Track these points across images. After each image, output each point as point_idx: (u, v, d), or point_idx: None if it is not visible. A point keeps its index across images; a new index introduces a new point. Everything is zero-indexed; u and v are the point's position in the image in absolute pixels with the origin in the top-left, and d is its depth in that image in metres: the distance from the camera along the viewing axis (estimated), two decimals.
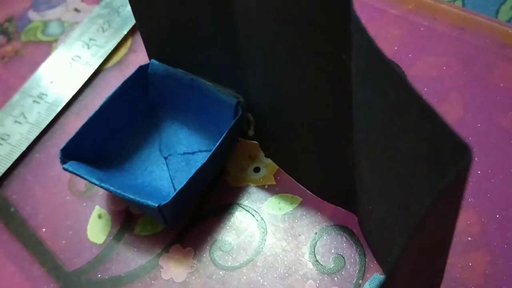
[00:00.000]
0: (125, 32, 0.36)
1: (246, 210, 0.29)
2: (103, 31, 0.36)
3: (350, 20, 0.18)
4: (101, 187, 0.27)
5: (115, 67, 0.35)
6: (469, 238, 0.26)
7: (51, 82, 0.35)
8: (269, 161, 0.30)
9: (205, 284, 0.27)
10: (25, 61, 0.36)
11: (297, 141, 0.27)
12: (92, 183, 0.27)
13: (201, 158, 0.29)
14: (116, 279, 0.27)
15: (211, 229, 0.28)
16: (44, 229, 0.30)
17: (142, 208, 0.28)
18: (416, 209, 0.18)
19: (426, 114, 0.15)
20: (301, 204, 0.28)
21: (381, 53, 0.16)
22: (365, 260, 0.26)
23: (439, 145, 0.15)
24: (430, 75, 0.31)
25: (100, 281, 0.28)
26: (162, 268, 0.27)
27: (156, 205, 0.26)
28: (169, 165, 0.29)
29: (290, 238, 0.27)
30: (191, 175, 0.27)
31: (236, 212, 0.29)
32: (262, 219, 0.28)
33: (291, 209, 0.28)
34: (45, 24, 0.38)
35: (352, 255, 0.26)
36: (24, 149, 0.32)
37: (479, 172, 0.28)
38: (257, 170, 0.30)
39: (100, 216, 0.29)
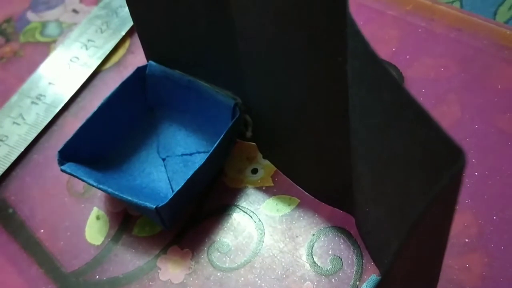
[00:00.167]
0: (124, 33, 0.36)
1: (244, 212, 0.29)
2: (102, 32, 0.36)
3: (345, 22, 0.18)
4: (99, 188, 0.27)
5: (113, 68, 0.35)
6: (466, 240, 0.26)
7: (50, 83, 0.35)
8: (267, 162, 0.30)
9: (202, 286, 0.27)
10: (24, 62, 0.36)
11: (294, 142, 0.27)
12: (90, 184, 0.27)
13: (199, 160, 0.29)
14: (114, 281, 0.28)
15: (209, 230, 0.28)
16: (42, 230, 0.30)
17: (140, 210, 0.28)
18: (411, 212, 0.18)
19: (421, 118, 0.15)
20: (299, 206, 0.28)
21: (376, 56, 0.16)
22: (362, 262, 0.26)
23: (434, 149, 0.15)
24: (428, 77, 0.31)
25: (98, 283, 0.28)
26: (160, 269, 0.28)
27: (154, 206, 0.26)
28: (167, 166, 0.29)
29: (287, 239, 0.27)
30: (189, 176, 0.27)
31: (234, 213, 0.29)
32: (260, 220, 0.28)
33: (289, 210, 0.28)
34: (44, 25, 0.38)
35: (350, 256, 0.27)
36: (22, 150, 0.32)
37: (476, 173, 0.28)
38: (255, 171, 0.30)
39: (98, 218, 0.29)
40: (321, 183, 0.28)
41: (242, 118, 0.29)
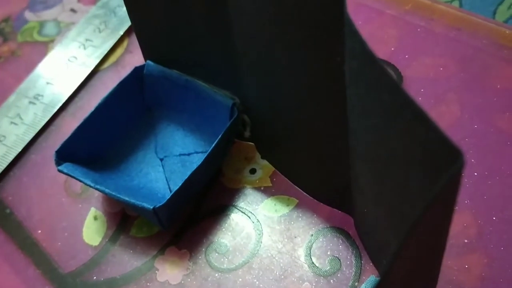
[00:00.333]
0: (122, 33, 0.36)
1: (242, 212, 0.28)
2: (100, 31, 0.36)
3: (343, 22, 0.18)
4: (96, 189, 0.27)
5: (111, 68, 0.35)
6: (466, 240, 0.26)
7: (47, 83, 0.35)
8: (265, 162, 0.30)
9: (200, 286, 0.27)
10: (21, 61, 0.36)
11: (293, 142, 0.27)
12: (87, 185, 0.27)
13: (197, 160, 0.29)
14: (112, 281, 0.27)
15: (206, 231, 0.28)
16: (39, 231, 0.29)
17: (138, 210, 0.28)
18: (410, 213, 0.18)
19: (419, 119, 0.15)
20: (297, 206, 0.28)
21: (373, 56, 0.16)
22: (361, 262, 0.26)
23: (433, 149, 0.15)
24: (427, 76, 0.31)
25: (96, 283, 0.27)
26: (158, 270, 0.27)
27: (151, 207, 0.26)
28: (164, 166, 0.29)
29: (286, 240, 0.27)
30: (187, 176, 0.27)
31: (232, 213, 0.28)
32: (258, 221, 0.28)
33: (287, 211, 0.28)
34: (42, 24, 0.38)
35: (348, 257, 0.26)
36: (19, 150, 0.32)
37: (475, 174, 0.27)
38: (253, 171, 0.30)
39: (95, 218, 0.29)
40: (320, 184, 0.27)
41: (240, 118, 0.29)
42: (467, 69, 0.31)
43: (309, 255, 0.27)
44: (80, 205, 0.30)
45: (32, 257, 0.29)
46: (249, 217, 0.28)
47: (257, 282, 0.26)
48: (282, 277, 0.26)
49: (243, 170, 0.30)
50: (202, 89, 0.29)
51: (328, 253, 0.27)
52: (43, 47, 0.37)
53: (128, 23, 0.36)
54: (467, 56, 0.31)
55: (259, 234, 0.28)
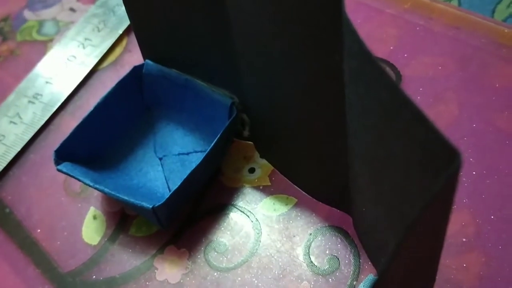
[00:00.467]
0: (121, 32, 0.36)
1: (241, 211, 0.28)
2: (99, 30, 0.36)
3: (341, 21, 0.18)
4: (96, 188, 0.27)
5: (110, 67, 0.35)
6: (464, 239, 0.26)
7: (47, 82, 0.35)
8: (264, 161, 0.30)
9: (199, 286, 0.27)
10: (20, 61, 0.36)
11: (292, 142, 0.27)
12: (86, 184, 0.27)
13: (196, 159, 0.29)
14: (111, 281, 0.27)
15: (205, 230, 0.28)
16: (39, 230, 0.29)
17: (137, 209, 0.28)
18: (409, 212, 0.18)
19: (418, 119, 0.15)
20: (296, 205, 0.28)
21: (371, 56, 0.16)
22: (359, 261, 0.26)
23: (431, 149, 0.15)
24: (426, 75, 0.31)
25: (95, 283, 0.28)
26: (157, 269, 0.27)
27: (150, 206, 0.26)
28: (164, 166, 0.29)
29: (284, 239, 0.27)
30: (186, 176, 0.27)
31: (231, 213, 0.29)
32: (257, 220, 0.28)
33: (286, 210, 0.28)
34: (41, 23, 0.38)
35: (347, 256, 0.26)
36: (19, 149, 0.32)
37: (474, 172, 0.27)
38: (252, 170, 0.30)
39: (95, 217, 0.29)
40: (319, 183, 0.27)
41: (239, 117, 0.29)
42: (466, 68, 0.31)
43: (307, 254, 0.27)
44: (80, 205, 0.30)
45: (32, 256, 0.29)
46: (248, 216, 0.28)
47: (256, 281, 0.26)
48: (281, 276, 0.26)
49: (242, 169, 0.30)
50: (201, 88, 0.29)
51: (327, 252, 0.27)
52: (42, 46, 0.37)
53: (127, 22, 0.36)
54: (466, 55, 0.31)
55: (258, 233, 0.28)
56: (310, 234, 0.27)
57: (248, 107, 0.28)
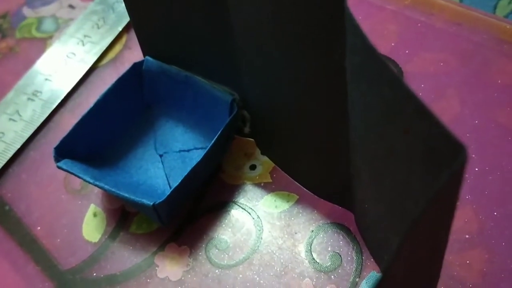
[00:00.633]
0: (120, 29, 0.36)
1: (242, 208, 0.28)
2: (98, 27, 0.36)
3: (344, 17, 0.18)
4: (96, 185, 0.27)
5: (110, 64, 0.35)
6: (467, 236, 0.26)
7: (46, 79, 0.34)
8: (265, 158, 0.30)
9: (201, 283, 0.27)
10: (20, 58, 0.36)
11: (293, 138, 0.27)
12: (87, 181, 0.27)
13: (197, 156, 0.29)
14: (112, 278, 0.27)
15: (206, 227, 0.28)
16: (39, 228, 0.29)
17: (137, 207, 0.28)
18: (412, 208, 0.18)
19: (421, 114, 0.15)
20: (298, 202, 0.28)
21: (375, 51, 0.16)
22: (362, 258, 0.26)
23: (435, 145, 0.15)
24: (427, 71, 0.31)
25: (95, 280, 0.27)
26: (158, 266, 0.27)
27: (151, 203, 0.26)
28: (164, 163, 0.29)
29: (286, 236, 0.27)
30: (187, 173, 0.26)
31: (232, 210, 0.28)
32: (258, 217, 0.28)
33: (287, 206, 0.28)
34: (40, 20, 0.38)
35: (349, 253, 0.26)
36: (18, 147, 0.32)
37: (476, 169, 0.27)
38: (253, 167, 0.29)
39: (95, 215, 0.29)
40: (320, 179, 0.27)
41: (240, 114, 0.29)
42: (467, 65, 0.31)
43: (309, 251, 0.27)
44: (80, 202, 0.30)
45: (32, 253, 0.29)
46: (249, 213, 0.28)
47: (257, 278, 0.26)
48: (283, 273, 0.26)
49: (243, 166, 0.29)
50: (202, 85, 0.29)
51: (329, 249, 0.27)
52: (41, 44, 0.36)
53: (126, 19, 0.36)
54: (467, 51, 0.31)
55: (259, 230, 0.28)
56: (312, 231, 0.27)
57: (248, 104, 0.28)
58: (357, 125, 0.21)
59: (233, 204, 0.29)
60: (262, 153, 0.30)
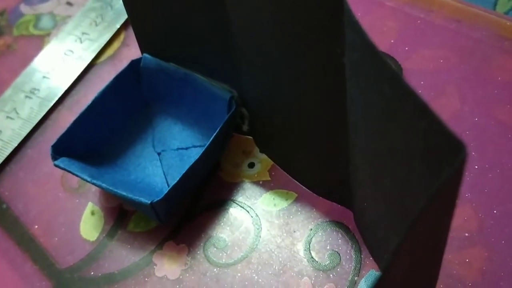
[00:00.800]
0: (118, 26, 0.36)
1: (241, 206, 0.28)
2: (96, 25, 0.36)
3: (343, 13, 0.18)
4: (93, 183, 0.27)
5: (108, 61, 0.35)
6: (466, 234, 0.26)
7: (44, 76, 0.34)
8: (263, 156, 0.29)
9: (199, 282, 0.26)
10: (17, 55, 0.36)
11: (292, 136, 0.26)
12: (84, 179, 0.27)
13: (195, 154, 0.29)
14: (109, 277, 0.27)
15: (205, 225, 0.28)
16: (36, 226, 0.29)
17: (135, 205, 0.28)
18: (411, 207, 0.17)
19: (421, 111, 0.15)
20: (296, 200, 0.28)
21: (374, 48, 0.16)
22: (360, 257, 0.26)
23: (434, 142, 0.15)
24: (427, 68, 0.31)
25: (93, 279, 0.27)
26: (156, 265, 0.27)
27: (149, 202, 0.25)
28: (162, 161, 0.29)
29: (285, 234, 0.27)
30: (185, 171, 0.26)
31: (231, 208, 0.28)
32: (257, 215, 0.28)
33: (286, 205, 0.28)
34: (37, 17, 0.37)
35: (348, 251, 0.26)
36: (16, 145, 0.32)
37: (476, 167, 0.27)
38: (251, 165, 0.29)
39: (93, 213, 0.29)
40: (319, 178, 0.27)
41: (239, 112, 0.29)
42: (467, 61, 0.30)
43: (308, 249, 0.26)
44: (77, 200, 0.30)
45: (29, 252, 0.28)
46: (248, 212, 0.28)
47: (256, 277, 0.26)
48: (281, 271, 0.26)
49: (242, 164, 0.29)
50: (200, 82, 0.29)
51: (328, 247, 0.26)
52: (39, 41, 0.36)
53: (124, 16, 0.36)
54: (467, 48, 0.31)
55: (258, 229, 0.27)
56: (311, 229, 0.27)
57: (247, 101, 0.28)
58: (357, 123, 0.20)
59: (232, 202, 0.28)
60: (261, 151, 0.30)
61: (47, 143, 0.31)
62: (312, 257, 0.26)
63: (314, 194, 0.28)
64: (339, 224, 0.27)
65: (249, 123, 0.29)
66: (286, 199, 0.28)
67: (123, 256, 0.28)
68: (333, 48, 0.20)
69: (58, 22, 0.37)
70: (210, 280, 0.26)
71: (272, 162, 0.29)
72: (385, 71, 0.16)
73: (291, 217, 0.27)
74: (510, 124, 0.28)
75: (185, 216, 0.28)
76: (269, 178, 0.29)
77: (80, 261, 0.28)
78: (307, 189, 0.28)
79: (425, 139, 0.15)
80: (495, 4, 0.33)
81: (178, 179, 0.26)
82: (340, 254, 0.26)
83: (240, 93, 0.28)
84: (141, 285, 0.27)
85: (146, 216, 0.28)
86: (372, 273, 0.25)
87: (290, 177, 0.28)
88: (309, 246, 0.27)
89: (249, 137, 0.30)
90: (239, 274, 0.26)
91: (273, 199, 0.28)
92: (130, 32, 0.35)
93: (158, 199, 0.25)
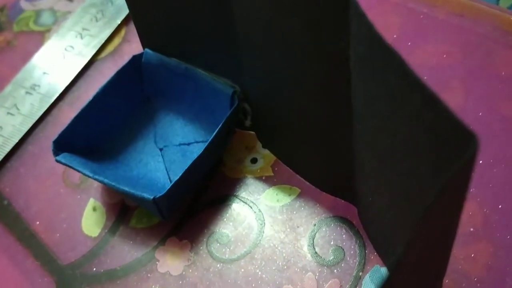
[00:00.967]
0: (119, 22, 0.35)
1: (244, 202, 0.28)
2: (97, 20, 0.36)
3: (348, 5, 0.17)
4: (95, 179, 0.27)
5: (109, 57, 0.34)
6: (471, 229, 0.25)
7: (44, 73, 0.34)
8: (266, 151, 0.29)
9: (202, 277, 0.26)
10: (18, 51, 0.36)
11: (295, 131, 0.26)
12: (86, 175, 0.27)
13: (197, 149, 0.28)
14: (112, 273, 0.27)
15: (207, 221, 0.28)
16: (38, 222, 0.29)
17: (137, 201, 0.27)
18: (419, 201, 0.17)
19: (429, 102, 0.14)
20: (300, 195, 0.28)
21: (381, 38, 0.15)
22: (365, 252, 0.26)
23: (443, 134, 0.15)
24: (430, 64, 0.30)
25: (95, 275, 0.27)
26: (158, 261, 0.27)
27: (151, 197, 0.25)
28: (164, 156, 0.29)
29: (288, 230, 0.27)
30: (187, 166, 0.26)
31: (233, 203, 0.28)
32: (260, 210, 0.28)
33: (289, 200, 0.28)
34: (38, 13, 0.37)
35: (352, 246, 0.26)
36: (16, 141, 0.31)
37: (481, 161, 0.27)
38: (254, 161, 0.29)
39: (94, 209, 0.29)
40: (323, 173, 0.27)
41: (241, 107, 0.28)
42: (471, 56, 0.30)
43: (312, 245, 0.26)
44: (79, 196, 0.29)
45: (31, 248, 0.28)
46: (251, 207, 0.28)
47: (259, 273, 0.26)
48: (285, 267, 0.26)
49: (244, 160, 0.29)
50: (202, 77, 0.29)
51: (332, 242, 0.26)
52: (39, 37, 0.36)
53: (125, 12, 0.35)
54: (471, 43, 0.31)
55: (261, 224, 0.27)
56: (314, 224, 0.27)
57: (250, 96, 0.28)
58: (362, 116, 0.20)
59: (234, 198, 0.28)
60: (264, 147, 0.29)
61: (48, 139, 0.31)
62: (316, 253, 0.26)
63: (318, 190, 0.28)
64: (343, 219, 0.27)
65: (251, 118, 0.29)
66: (289, 195, 0.28)
67: (125, 252, 0.27)
68: (337, 41, 0.20)
69: (58, 18, 0.37)
70: (214, 276, 0.26)
71: (275, 158, 0.29)
72: (391, 62, 0.16)
73: (295, 212, 0.27)
74: None
75: (187, 212, 0.28)
76: (272, 174, 0.29)
77: (82, 257, 0.28)
78: (310, 184, 0.28)
79: (434, 130, 0.15)
80: None
81: (180, 174, 0.26)
82: (344, 250, 0.26)
83: (242, 88, 0.28)
84: (143, 281, 0.26)
85: (149, 212, 0.28)
86: (377, 268, 0.25)
87: (293, 173, 0.28)
88: (313, 242, 0.26)
89: (252, 132, 0.30)
90: (242, 270, 0.26)
91: (276, 194, 0.28)
92: (131, 27, 0.35)
93: (161, 194, 0.25)
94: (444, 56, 0.31)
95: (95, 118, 0.29)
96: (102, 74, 0.34)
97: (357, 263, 0.25)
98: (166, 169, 0.29)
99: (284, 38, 0.22)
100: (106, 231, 0.28)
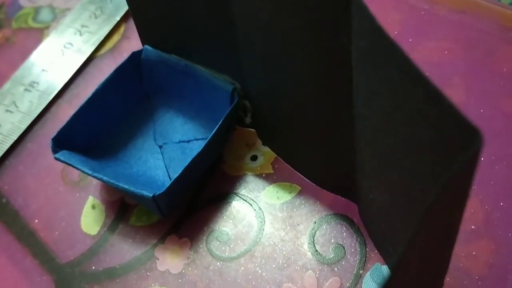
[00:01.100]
0: (118, 18, 0.35)
1: (244, 199, 0.28)
2: (96, 17, 0.35)
3: (349, 4, 0.17)
4: (94, 177, 0.27)
5: (108, 54, 0.34)
6: (473, 227, 0.25)
7: (43, 70, 0.34)
8: (266, 149, 0.29)
9: (202, 276, 0.26)
10: (16, 48, 0.36)
11: (295, 130, 0.26)
12: (85, 173, 0.27)
13: (197, 147, 0.28)
14: (111, 271, 0.27)
15: (207, 219, 0.28)
16: (36, 220, 0.29)
17: (137, 198, 0.27)
18: (421, 198, 0.17)
19: (432, 97, 0.14)
20: (300, 193, 0.28)
21: (383, 31, 0.15)
22: (366, 250, 0.26)
23: (446, 131, 0.15)
24: (431, 60, 0.30)
25: (94, 273, 0.27)
26: (158, 259, 0.27)
27: (151, 195, 0.25)
28: (164, 154, 0.29)
29: (288, 227, 0.27)
30: (187, 164, 0.26)
31: (233, 201, 0.28)
32: (260, 208, 0.28)
33: (290, 198, 0.28)
34: (36, 10, 0.37)
35: (353, 244, 0.26)
36: (15, 138, 0.31)
37: (482, 159, 0.27)
38: (254, 158, 0.29)
39: (94, 207, 0.29)
40: (323, 170, 0.27)
41: (241, 104, 0.28)
42: (472, 53, 0.30)
43: (312, 242, 0.26)
44: (78, 194, 0.29)
45: (29, 247, 0.28)
46: (251, 205, 0.28)
47: (259, 271, 0.26)
48: (285, 265, 0.26)
49: (244, 157, 0.29)
50: (202, 74, 0.28)
51: (332, 240, 0.26)
52: (38, 34, 0.36)
53: (124, 9, 0.35)
54: (472, 39, 0.30)
55: (261, 222, 0.27)
56: (315, 222, 0.27)
57: (250, 93, 0.28)
58: (363, 112, 0.20)
59: (234, 195, 0.28)
60: (264, 144, 0.29)
61: (47, 137, 0.31)
62: (316, 251, 0.26)
63: (318, 187, 0.27)
64: (343, 217, 0.27)
65: (251, 115, 0.29)
66: (290, 192, 0.28)
67: (125, 250, 0.27)
68: (339, 36, 0.19)
69: (57, 15, 0.37)
70: (213, 274, 0.26)
71: (275, 155, 0.29)
72: (393, 57, 0.15)
73: (295, 210, 0.27)
74: None
75: (187, 210, 0.28)
76: (272, 171, 0.28)
77: (81, 256, 0.27)
78: (310, 182, 0.28)
79: (436, 127, 0.15)
80: None
81: (180, 172, 0.26)
82: (345, 247, 0.26)
83: (242, 85, 0.28)
84: (143, 280, 0.26)
85: (148, 210, 0.28)
86: (377, 266, 0.25)
87: (294, 170, 0.28)
88: (313, 240, 0.26)
89: (252, 129, 0.29)
90: (242, 268, 0.26)
91: (276, 192, 0.28)
92: (130, 24, 0.35)
93: (160, 192, 0.25)
94: (445, 52, 0.30)
95: (94, 115, 0.29)
96: (101, 71, 0.33)
97: (357, 261, 0.25)
98: (166, 167, 0.28)
99: (284, 38, 0.22)
100: (105, 229, 0.28)
